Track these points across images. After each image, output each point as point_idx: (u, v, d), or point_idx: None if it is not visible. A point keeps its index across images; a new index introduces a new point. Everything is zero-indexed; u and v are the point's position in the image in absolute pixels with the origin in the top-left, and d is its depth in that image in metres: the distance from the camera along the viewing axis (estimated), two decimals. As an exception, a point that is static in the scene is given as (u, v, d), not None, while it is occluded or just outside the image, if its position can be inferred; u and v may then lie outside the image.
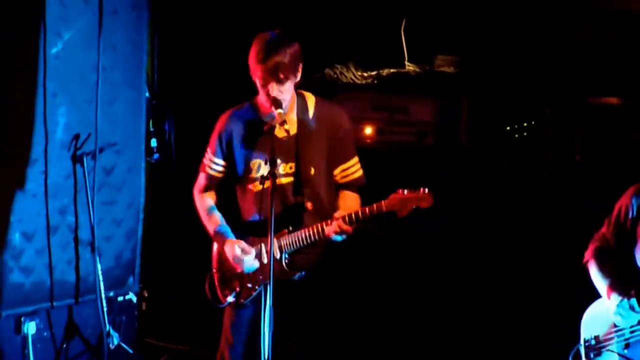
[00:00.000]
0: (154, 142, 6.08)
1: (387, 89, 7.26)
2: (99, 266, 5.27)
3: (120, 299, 5.71)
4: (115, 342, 5.36)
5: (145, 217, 5.80)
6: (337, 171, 4.66)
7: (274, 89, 4.36)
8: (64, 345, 5.43)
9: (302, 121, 4.53)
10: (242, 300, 4.63)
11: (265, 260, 4.54)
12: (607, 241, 4.67)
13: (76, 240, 5.33)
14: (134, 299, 5.80)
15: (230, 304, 4.66)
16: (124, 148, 5.56)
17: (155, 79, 6.37)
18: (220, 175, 4.70)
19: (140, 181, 5.73)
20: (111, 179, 5.51)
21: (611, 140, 6.91)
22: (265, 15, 6.73)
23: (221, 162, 4.67)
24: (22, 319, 5.18)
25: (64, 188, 5.25)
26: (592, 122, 6.99)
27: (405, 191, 4.42)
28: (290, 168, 4.55)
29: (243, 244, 4.57)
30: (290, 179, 4.55)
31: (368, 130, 7.27)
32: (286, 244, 4.50)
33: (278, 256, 4.52)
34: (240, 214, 4.69)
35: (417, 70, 7.20)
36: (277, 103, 4.36)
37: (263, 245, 4.55)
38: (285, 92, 4.40)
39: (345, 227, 4.39)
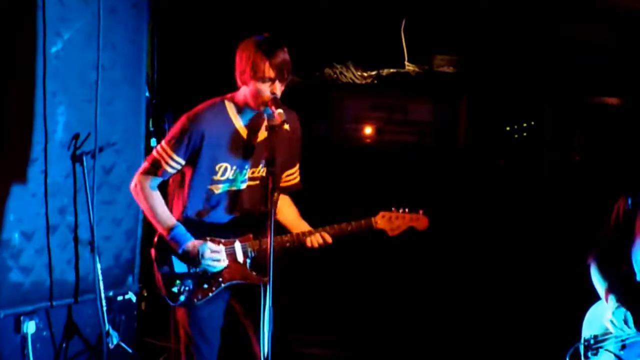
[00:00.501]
0: (153, 142, 6.06)
1: (386, 88, 7.27)
2: (98, 266, 5.27)
3: (119, 298, 5.70)
4: (115, 342, 5.35)
5: (145, 216, 5.79)
6: (282, 175, 4.64)
7: (278, 88, 4.34)
8: (64, 345, 5.43)
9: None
10: (195, 300, 4.50)
11: (225, 263, 4.49)
12: (607, 242, 4.67)
13: (76, 239, 5.33)
14: (134, 299, 5.79)
15: (182, 303, 4.51)
16: (123, 147, 5.56)
17: (155, 78, 6.37)
18: (174, 172, 4.49)
19: (140, 181, 5.72)
20: (111, 178, 5.51)
21: (611, 141, 6.92)
22: (266, 14, 6.73)
23: (181, 161, 4.44)
24: (22, 318, 5.18)
25: (64, 187, 5.25)
26: (591, 123, 7.00)
27: (400, 210, 4.41)
28: (253, 173, 4.51)
29: (210, 247, 4.44)
30: (254, 183, 4.50)
31: (368, 129, 7.28)
32: (254, 249, 4.45)
33: (241, 260, 4.49)
34: (185, 212, 4.52)
35: (417, 70, 7.21)
36: (277, 102, 4.33)
37: (223, 247, 4.50)
38: (280, 93, 4.39)
39: (329, 240, 4.42)
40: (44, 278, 5.23)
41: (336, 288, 7.13)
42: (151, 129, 6.05)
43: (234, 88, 4.50)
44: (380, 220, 4.42)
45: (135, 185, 4.51)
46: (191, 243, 4.44)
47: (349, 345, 6.74)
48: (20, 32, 5.00)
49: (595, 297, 4.67)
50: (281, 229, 4.54)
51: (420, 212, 4.44)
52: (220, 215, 4.52)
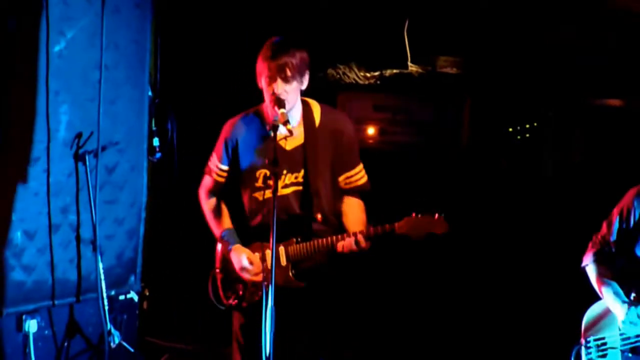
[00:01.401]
0: (156, 141, 6.07)
1: (389, 89, 7.26)
2: (100, 265, 5.27)
3: (121, 297, 5.70)
4: (117, 341, 5.36)
5: (147, 216, 5.79)
6: (341, 178, 4.66)
7: (279, 87, 4.35)
8: (65, 344, 5.43)
9: (308, 130, 4.50)
10: (244, 304, 4.63)
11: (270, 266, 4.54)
12: (607, 244, 4.66)
13: (78, 239, 5.33)
14: (135, 298, 5.79)
15: (231, 306, 4.67)
16: (126, 147, 5.56)
17: (158, 78, 6.37)
18: (224, 180, 4.73)
19: (142, 180, 5.72)
20: (113, 177, 5.51)
21: (612, 142, 6.91)
22: (269, 15, 6.74)
23: (226, 168, 4.69)
24: (24, 317, 5.18)
25: (66, 187, 5.25)
26: (592, 124, 6.99)
27: (419, 215, 4.41)
28: (296, 178, 4.53)
29: (250, 254, 4.58)
30: (296, 188, 4.54)
31: (370, 130, 7.28)
32: (295, 253, 4.49)
33: (284, 264, 4.52)
34: (245, 218, 4.70)
35: (420, 71, 7.21)
36: (280, 102, 4.34)
37: (269, 252, 4.54)
38: (291, 92, 4.39)
39: (363, 244, 4.40)
40: (46, 277, 5.23)
41: (345, 291, 7.12)
42: (154, 128, 6.05)
43: (236, 88, 4.52)
44: (404, 226, 4.42)
45: (199, 195, 4.83)
46: (235, 246, 4.62)
47: (354, 347, 6.75)
48: (23, 30, 5.00)
49: (592, 298, 4.67)
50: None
51: (437, 216, 4.41)
52: (267, 220, 4.55)
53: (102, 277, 5.28)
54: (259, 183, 4.56)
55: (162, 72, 6.41)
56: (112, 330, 5.35)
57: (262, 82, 4.43)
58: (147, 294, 6.29)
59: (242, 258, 4.57)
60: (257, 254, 4.60)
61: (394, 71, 7.24)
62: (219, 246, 4.76)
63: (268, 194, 4.53)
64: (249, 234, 4.65)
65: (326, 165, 4.56)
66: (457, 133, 7.23)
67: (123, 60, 5.49)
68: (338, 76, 7.22)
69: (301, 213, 4.53)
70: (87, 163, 5.25)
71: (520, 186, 7.13)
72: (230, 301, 4.65)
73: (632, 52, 6.67)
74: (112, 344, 5.33)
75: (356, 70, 7.24)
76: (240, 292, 4.62)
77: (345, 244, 4.42)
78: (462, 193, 7.06)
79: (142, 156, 5.73)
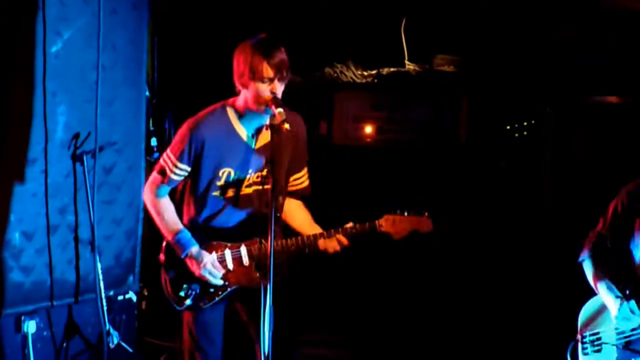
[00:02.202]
0: (154, 141, 6.08)
1: (387, 87, 7.27)
2: (99, 265, 5.27)
3: (120, 298, 5.70)
4: (115, 341, 5.36)
5: (145, 216, 5.79)
6: (290, 179, 4.65)
7: (277, 87, 4.34)
8: (64, 344, 5.43)
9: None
10: (201, 304, 4.55)
11: (230, 267, 4.50)
12: (603, 239, 4.69)
13: (76, 239, 5.32)
14: (134, 298, 5.79)
15: (188, 307, 4.57)
16: (124, 147, 5.56)
17: (155, 78, 6.37)
18: (180, 180, 4.57)
19: (140, 180, 5.72)
20: (111, 178, 5.51)
21: (611, 140, 6.92)
22: (266, 14, 6.74)
23: (186, 168, 4.51)
24: (22, 318, 5.17)
25: (64, 187, 5.25)
26: (592, 122, 7.00)
27: (405, 213, 4.37)
28: (258, 177, 4.52)
29: (213, 259, 4.49)
30: (258, 187, 4.52)
31: (368, 129, 7.28)
32: (261, 252, 4.44)
33: (247, 263, 4.49)
34: (197, 218, 4.58)
35: (417, 69, 7.21)
36: (278, 102, 4.33)
37: (229, 252, 4.51)
38: (280, 93, 4.39)
39: (345, 242, 4.39)
40: (44, 278, 5.23)
41: (341, 288, 7.13)
42: (151, 128, 6.05)
43: (233, 88, 4.51)
44: (385, 224, 4.39)
45: (145, 194, 4.63)
46: (195, 249, 4.49)
47: (355, 346, 6.75)
48: (21, 31, 4.99)
49: (590, 296, 4.69)
50: (293, 234, 4.53)
51: (425, 214, 4.39)
52: (227, 220, 4.54)
53: (101, 277, 5.28)
54: (221, 182, 4.50)
55: (160, 72, 6.42)
56: (111, 330, 5.35)
57: (252, 80, 4.36)
58: (146, 294, 6.29)
59: (203, 267, 4.46)
60: (214, 254, 4.51)
61: (391, 69, 7.24)
62: (165, 244, 4.61)
63: (230, 192, 4.50)
64: (206, 233, 4.54)
65: (286, 165, 4.55)
66: (455, 131, 7.23)
67: (120, 61, 5.49)
68: (335, 75, 7.23)
69: (263, 212, 4.48)
70: (85, 164, 5.24)
71: (519, 184, 7.14)
72: (186, 301, 4.55)
73: (632, 52, 6.67)
74: (111, 344, 5.33)
75: (353, 68, 7.24)
76: (197, 292, 4.55)
77: (327, 243, 4.41)
78: (460, 191, 7.07)
79: (139, 156, 5.72)
